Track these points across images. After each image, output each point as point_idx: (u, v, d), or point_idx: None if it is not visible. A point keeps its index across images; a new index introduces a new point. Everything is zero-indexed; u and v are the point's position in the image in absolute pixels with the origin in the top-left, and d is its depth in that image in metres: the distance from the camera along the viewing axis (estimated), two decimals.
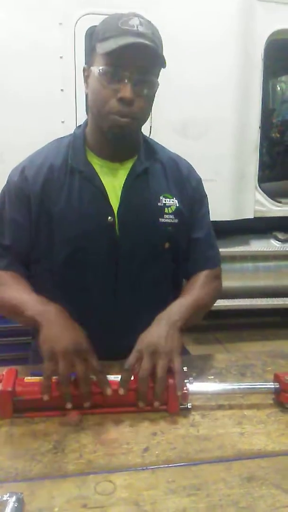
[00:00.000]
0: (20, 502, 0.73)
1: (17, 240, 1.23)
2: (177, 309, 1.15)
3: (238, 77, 3.29)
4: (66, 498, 0.76)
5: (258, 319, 3.97)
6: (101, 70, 1.10)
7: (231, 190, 3.45)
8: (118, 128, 1.13)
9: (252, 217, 3.58)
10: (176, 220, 1.25)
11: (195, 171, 1.36)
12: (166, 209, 1.24)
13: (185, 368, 1.04)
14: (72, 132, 1.29)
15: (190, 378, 1.04)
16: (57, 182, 1.20)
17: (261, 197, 3.60)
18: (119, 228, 1.20)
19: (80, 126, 1.28)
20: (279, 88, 5.37)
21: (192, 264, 1.32)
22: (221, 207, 3.24)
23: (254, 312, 3.82)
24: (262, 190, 3.61)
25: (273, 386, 1.04)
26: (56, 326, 1.03)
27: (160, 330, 1.06)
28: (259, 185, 3.60)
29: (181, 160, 1.34)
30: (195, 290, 1.26)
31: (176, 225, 1.25)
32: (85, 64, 1.18)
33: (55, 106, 3.13)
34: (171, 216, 1.24)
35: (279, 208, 3.66)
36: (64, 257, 1.21)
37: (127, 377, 0.99)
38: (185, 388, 1.00)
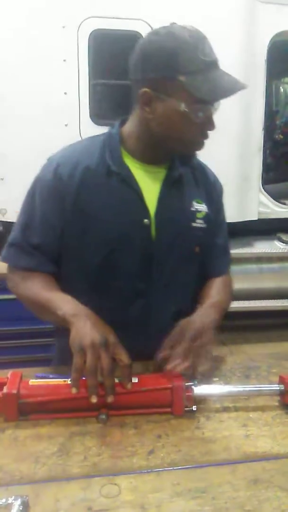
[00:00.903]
0: (25, 505, 0.73)
1: (47, 239, 1.22)
2: (211, 310, 1.20)
3: (241, 79, 3.28)
4: (71, 501, 0.76)
5: (262, 321, 3.95)
6: (192, 108, 1.09)
7: (235, 192, 3.45)
8: (196, 151, 1.22)
9: (256, 219, 3.57)
10: (205, 225, 1.28)
11: (218, 178, 1.39)
12: (197, 214, 1.27)
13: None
14: (102, 132, 1.28)
15: (195, 381, 1.03)
16: (93, 182, 1.20)
17: (265, 198, 3.59)
18: (155, 231, 1.21)
19: (114, 126, 1.27)
20: (282, 90, 5.35)
21: (211, 268, 1.36)
22: (225, 209, 3.23)
23: (258, 314, 3.81)
24: (266, 191, 3.60)
25: (278, 388, 1.04)
26: (85, 324, 1.04)
27: (202, 319, 1.14)
28: (263, 187, 3.59)
29: (206, 166, 1.37)
30: (220, 294, 1.31)
31: (205, 230, 1.28)
32: (144, 88, 1.11)
33: (58, 109, 3.13)
34: (201, 221, 1.27)
35: (283, 210, 3.65)
36: (99, 258, 1.21)
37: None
38: (189, 391, 1.00)
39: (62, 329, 1.09)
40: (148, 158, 1.23)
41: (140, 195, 1.21)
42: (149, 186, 1.23)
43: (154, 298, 1.25)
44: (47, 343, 2.50)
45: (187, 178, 1.28)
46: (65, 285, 1.23)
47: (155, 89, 1.10)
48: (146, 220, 1.20)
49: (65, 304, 1.12)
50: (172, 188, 1.24)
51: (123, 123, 1.26)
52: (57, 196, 1.20)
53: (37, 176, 1.25)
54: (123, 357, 1.00)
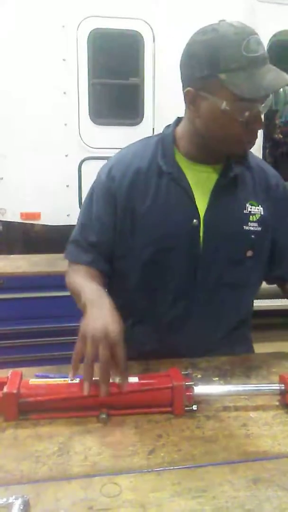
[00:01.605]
0: (26, 504, 0.73)
1: (102, 238, 1.25)
2: None
3: None
4: (71, 500, 0.76)
5: (262, 321, 3.94)
6: (234, 107, 1.06)
7: None
8: (245, 152, 1.19)
9: None
10: (259, 228, 1.24)
11: (283, 180, 1.35)
12: (251, 216, 1.24)
13: (189, 370, 1.04)
14: (159, 132, 1.28)
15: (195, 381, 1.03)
16: (144, 182, 1.21)
17: None
18: (203, 232, 1.20)
19: (169, 126, 1.27)
20: (281, 89, 5.36)
21: None
22: None
23: (258, 313, 3.81)
24: None
25: (278, 388, 1.04)
26: (94, 313, 1.03)
27: None
28: None
29: (269, 167, 1.34)
30: None
31: (259, 233, 1.24)
32: (189, 87, 1.11)
33: (57, 109, 3.14)
34: (255, 224, 1.24)
35: None
36: (147, 256, 1.22)
37: None
38: (190, 390, 1.00)
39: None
40: (201, 158, 1.22)
41: (191, 195, 1.20)
42: (201, 186, 1.21)
43: (197, 300, 1.25)
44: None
45: (243, 179, 1.25)
46: (116, 283, 1.26)
47: (198, 88, 1.10)
48: (195, 221, 1.19)
49: (88, 291, 1.12)
50: (224, 189, 1.22)
51: (178, 122, 1.26)
52: (110, 197, 1.23)
53: (96, 178, 1.29)
54: (119, 349, 0.98)
